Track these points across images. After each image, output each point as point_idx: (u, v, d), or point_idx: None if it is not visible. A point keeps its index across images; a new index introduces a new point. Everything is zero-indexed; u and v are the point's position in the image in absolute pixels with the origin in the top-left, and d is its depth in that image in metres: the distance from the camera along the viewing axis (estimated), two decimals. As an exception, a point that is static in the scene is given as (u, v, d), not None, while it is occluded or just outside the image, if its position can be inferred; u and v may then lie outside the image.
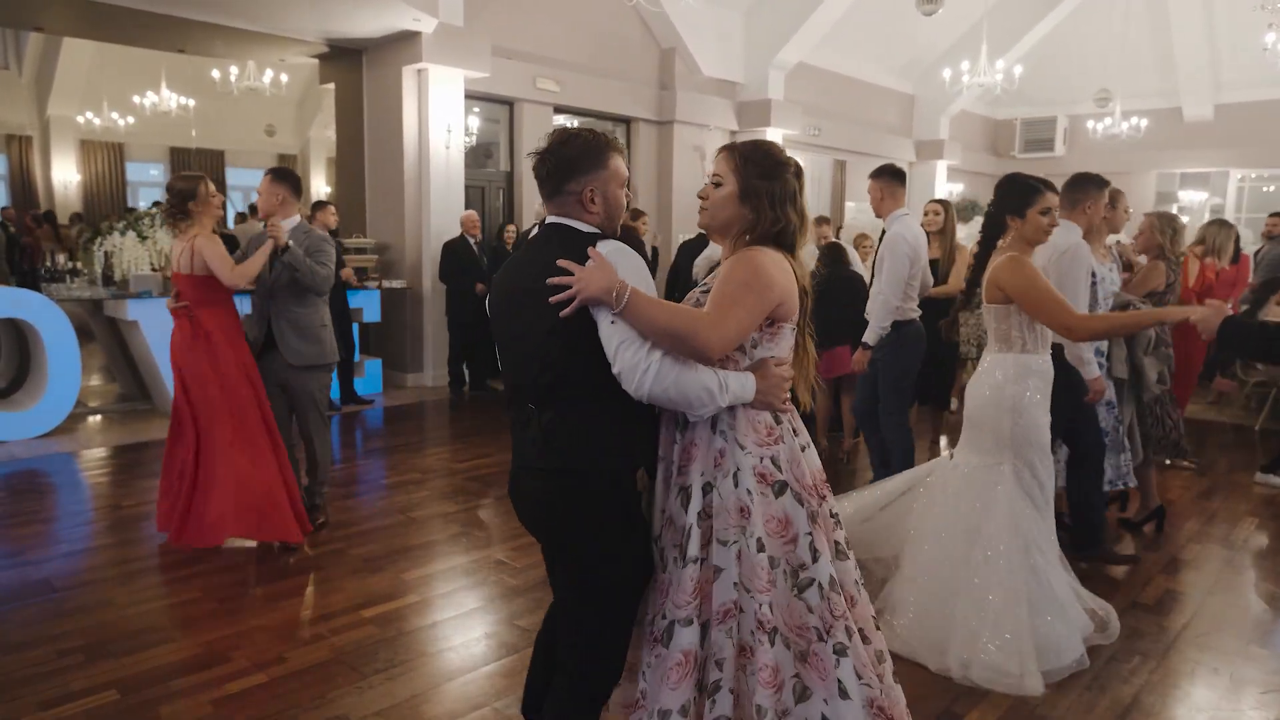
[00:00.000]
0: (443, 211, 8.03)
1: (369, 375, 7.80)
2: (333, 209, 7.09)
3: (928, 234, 5.26)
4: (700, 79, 10.76)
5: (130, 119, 13.95)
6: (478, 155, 9.41)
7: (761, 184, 1.95)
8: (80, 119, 14.23)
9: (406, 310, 8.17)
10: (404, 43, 7.70)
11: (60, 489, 5.12)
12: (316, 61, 9.05)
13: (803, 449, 1.99)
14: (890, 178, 4.56)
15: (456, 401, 7.73)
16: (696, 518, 1.91)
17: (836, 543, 2.01)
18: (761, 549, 1.88)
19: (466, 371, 8.02)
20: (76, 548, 4.11)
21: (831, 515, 2.02)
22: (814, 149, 12.78)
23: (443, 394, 7.95)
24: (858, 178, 13.73)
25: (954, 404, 7.62)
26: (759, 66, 11.14)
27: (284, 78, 10.95)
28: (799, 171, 2.01)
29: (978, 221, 10.97)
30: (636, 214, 7.18)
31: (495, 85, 8.61)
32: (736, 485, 1.90)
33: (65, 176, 14.46)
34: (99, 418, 6.66)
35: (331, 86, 8.94)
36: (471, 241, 7.68)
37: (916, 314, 4.51)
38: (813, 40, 11.17)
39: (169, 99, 12.35)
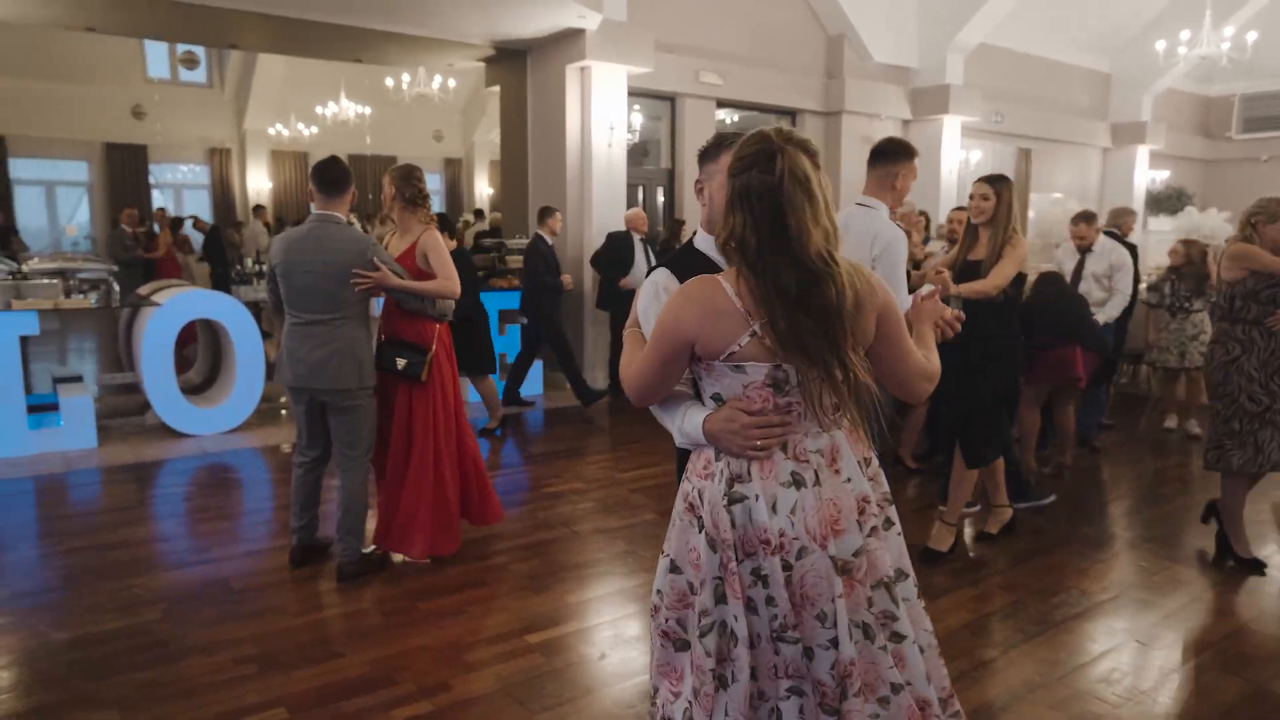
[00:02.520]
0: (605, 211, 7.89)
1: (529, 377, 7.77)
2: (559, 215, 7.15)
3: (975, 226, 3.96)
4: (870, 66, 10.14)
5: (314, 129, 14.83)
6: (635, 153, 9.24)
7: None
8: (271, 131, 15.27)
9: (567, 311, 8.08)
10: (568, 41, 7.62)
11: (244, 485, 5.30)
12: (483, 66, 9.15)
13: (752, 498, 1.70)
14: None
15: (616, 405, 7.57)
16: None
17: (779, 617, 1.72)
18: (675, 570, 1.83)
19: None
20: (255, 547, 4.18)
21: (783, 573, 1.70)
22: (996, 137, 11.82)
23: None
24: (1045, 167, 12.61)
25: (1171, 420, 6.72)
26: (935, 50, 10.38)
27: (452, 83, 11.23)
28: (754, 163, 1.65)
29: (1189, 213, 9.82)
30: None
31: (656, 81, 8.41)
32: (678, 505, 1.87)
33: (258, 185, 15.57)
34: (280, 414, 6.94)
35: (495, 91, 9.03)
36: (636, 239, 7.49)
37: None
38: (996, 18, 10.28)
39: (348, 108, 12.98)
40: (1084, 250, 5.82)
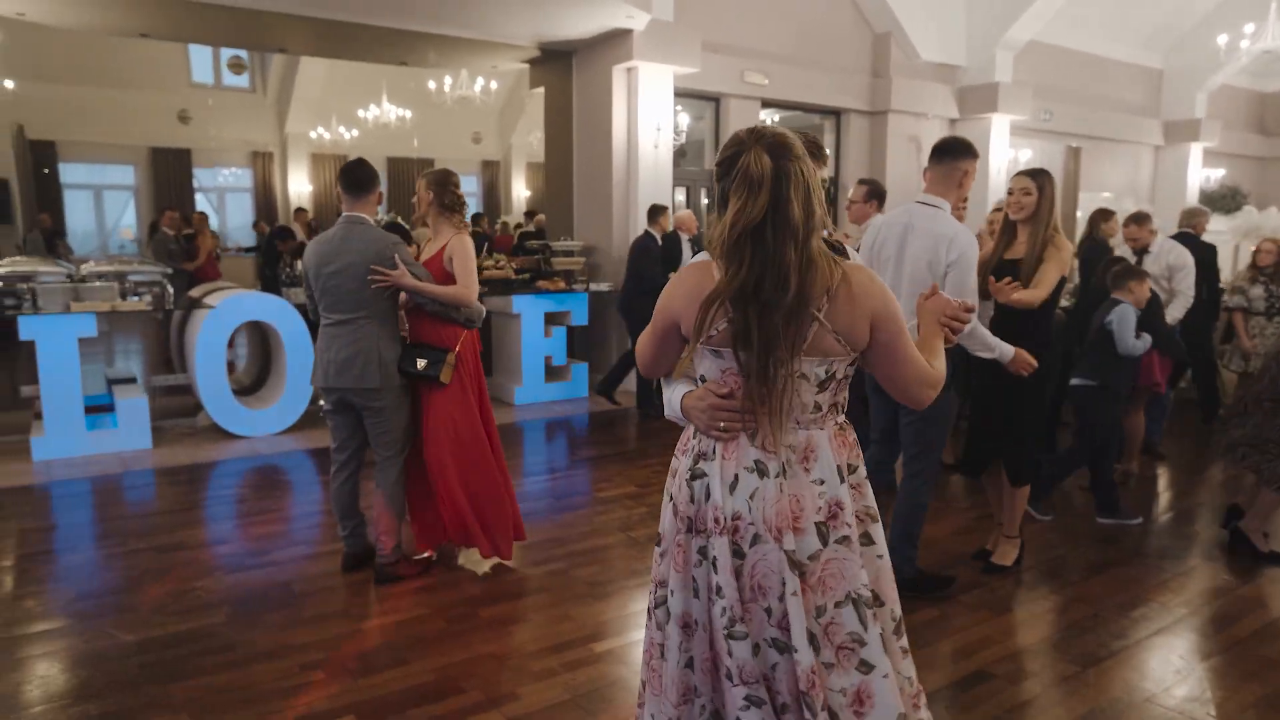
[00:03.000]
0: (650, 213, 7.83)
1: (575, 380, 7.74)
2: (669, 213, 7.13)
3: (1013, 223, 3.67)
4: (917, 64, 9.99)
5: (355, 132, 14.94)
6: (674, 154, 9.16)
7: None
8: (313, 134, 15.41)
9: (612, 314, 8.03)
10: (615, 41, 7.57)
11: (296, 487, 5.31)
12: (526, 67, 9.14)
13: (712, 476, 1.74)
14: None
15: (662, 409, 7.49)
16: None
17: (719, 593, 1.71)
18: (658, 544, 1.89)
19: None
20: (312, 551, 4.16)
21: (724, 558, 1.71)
22: (1045, 135, 11.59)
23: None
24: (1095, 166, 12.34)
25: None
26: (984, 47, 10.20)
27: (493, 85, 11.24)
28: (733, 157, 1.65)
29: (1247, 213, 9.48)
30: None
31: (701, 81, 8.34)
32: None
33: (299, 188, 15.73)
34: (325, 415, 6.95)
35: (533, 93, 9.03)
36: (685, 240, 7.41)
37: None
38: (1047, 14, 10.08)
39: (389, 111, 13.06)
40: (1139, 252, 5.66)
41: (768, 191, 1.60)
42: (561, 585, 3.76)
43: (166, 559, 4.01)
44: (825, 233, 1.72)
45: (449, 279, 3.70)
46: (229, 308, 6.12)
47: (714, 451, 1.75)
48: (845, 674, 1.66)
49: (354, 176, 3.64)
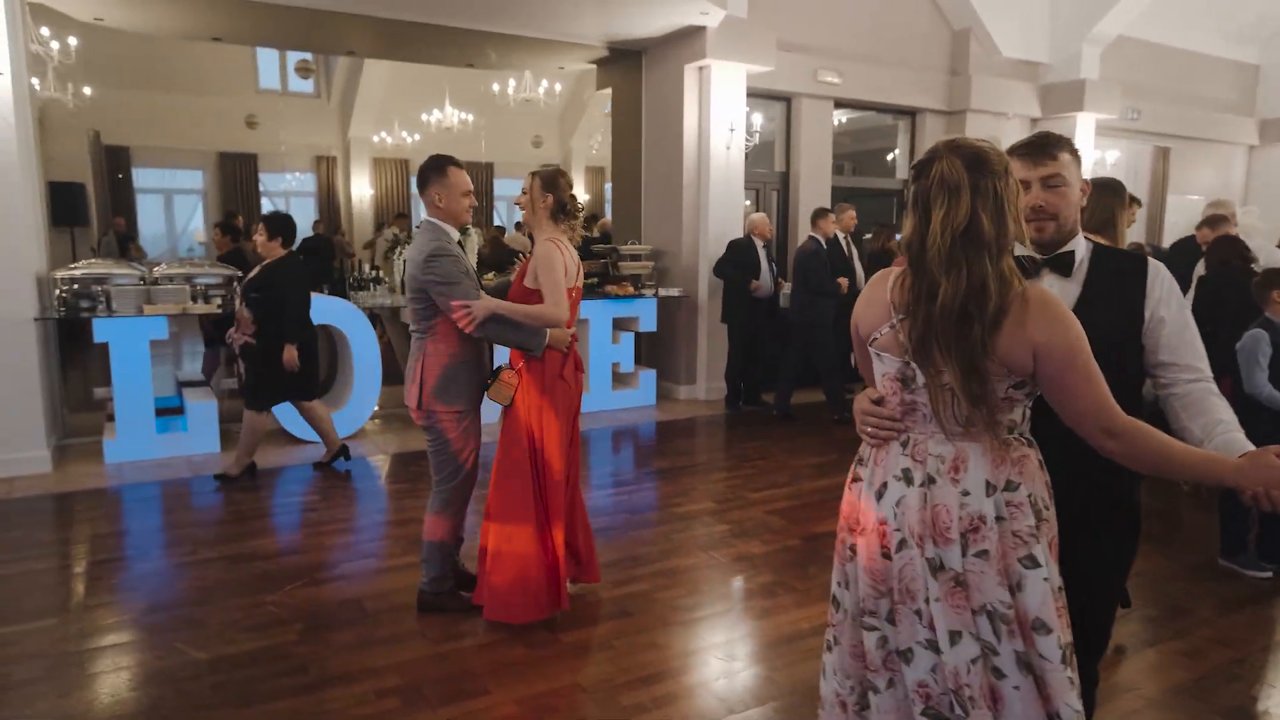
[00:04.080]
0: (721, 216, 7.60)
1: (643, 387, 7.53)
2: (833, 216, 7.02)
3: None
4: (998, 61, 9.57)
5: (417, 136, 14.98)
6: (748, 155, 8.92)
7: None
8: (375, 139, 15.50)
9: (681, 319, 7.81)
10: (687, 39, 7.35)
11: (364, 495, 5.18)
12: (593, 68, 8.98)
13: (865, 480, 1.80)
14: None
15: (733, 418, 7.24)
16: None
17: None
18: None
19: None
20: (384, 565, 4.01)
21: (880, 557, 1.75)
22: (1132, 135, 11.04)
23: (716, 409, 7.50)
24: (1184, 167, 11.74)
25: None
26: (1069, 43, 9.73)
27: (558, 87, 11.12)
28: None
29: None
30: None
31: (772, 80, 8.07)
32: None
33: (360, 192, 15.83)
34: (394, 421, 6.85)
35: (595, 96, 8.86)
36: (759, 244, 7.16)
37: None
38: (1137, 8, 9.59)
39: (451, 115, 13.05)
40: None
41: (950, 197, 1.59)
42: (645, 609, 3.54)
43: (236, 570, 3.89)
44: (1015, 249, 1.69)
45: (528, 298, 3.24)
46: (298, 311, 6.04)
47: (869, 457, 1.80)
48: (979, 674, 1.66)
49: (417, 176, 3.39)
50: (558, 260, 3.22)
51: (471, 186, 3.39)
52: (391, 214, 15.56)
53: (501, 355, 3.85)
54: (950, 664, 1.65)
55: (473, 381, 3.34)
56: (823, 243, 6.86)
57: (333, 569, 3.94)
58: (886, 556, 1.71)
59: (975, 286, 1.57)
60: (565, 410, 3.32)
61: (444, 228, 3.31)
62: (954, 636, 1.64)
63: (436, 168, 3.32)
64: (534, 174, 3.37)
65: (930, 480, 1.67)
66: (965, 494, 1.65)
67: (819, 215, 6.93)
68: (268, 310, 5.01)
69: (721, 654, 3.17)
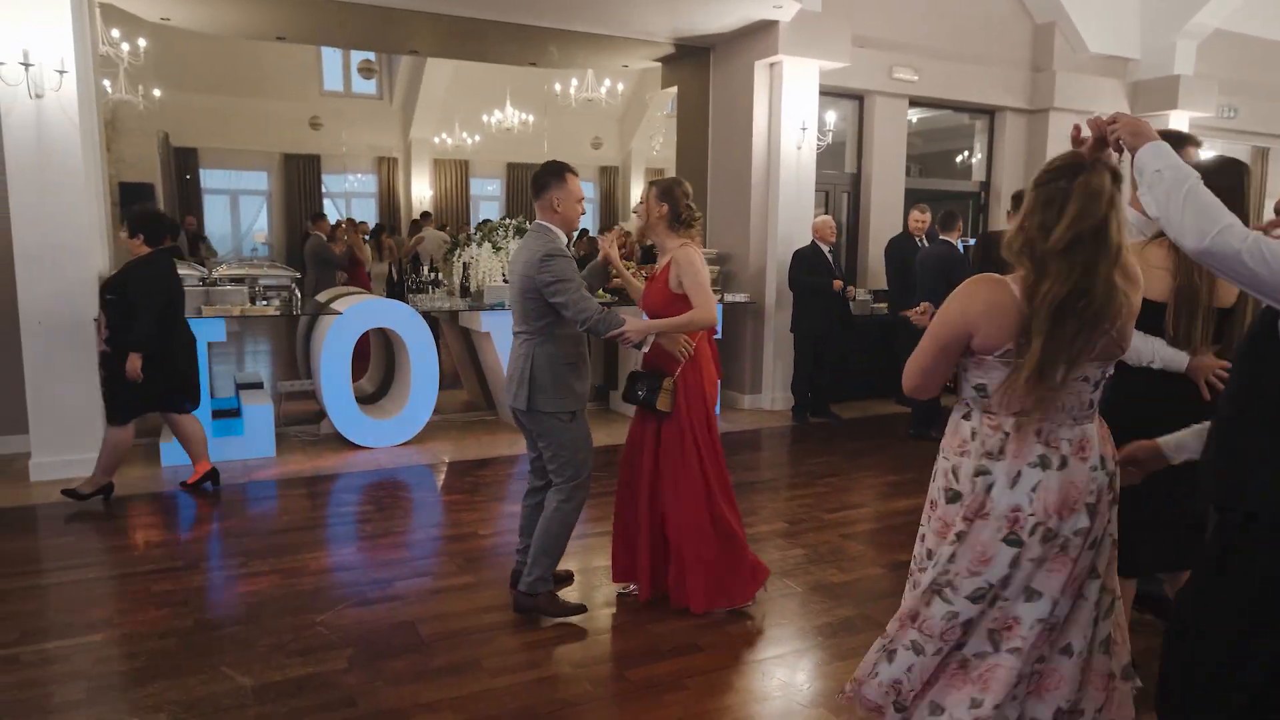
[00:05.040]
0: (790, 218, 7.28)
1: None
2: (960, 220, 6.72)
3: None
4: (1083, 57, 9.06)
5: (477, 137, 14.93)
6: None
7: None
8: (436, 140, 15.51)
9: (747, 326, 7.51)
10: (758, 34, 7.06)
11: (420, 507, 5.00)
12: (657, 66, 8.73)
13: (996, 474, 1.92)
14: None
15: (800, 430, 6.91)
16: None
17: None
18: None
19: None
20: (440, 584, 3.80)
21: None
22: (1228, 135, 10.39)
23: (783, 419, 7.17)
24: (1283, 169, 11.01)
25: None
26: (1161, 36, 9.17)
27: (620, 87, 10.90)
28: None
29: None
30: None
31: (844, 78, 7.73)
32: None
33: (420, 193, 15.85)
34: (450, 428, 6.68)
35: (655, 96, 8.64)
36: (825, 249, 6.83)
37: None
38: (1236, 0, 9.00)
39: (512, 116, 12.95)
40: None
41: (1097, 207, 1.78)
42: (718, 643, 3.25)
43: (287, 585, 3.72)
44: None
45: (674, 303, 3.31)
46: (356, 314, 5.91)
47: (1001, 451, 1.90)
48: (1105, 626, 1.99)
49: (533, 180, 3.38)
50: (700, 263, 3.31)
51: (584, 194, 3.44)
52: (451, 215, 15.56)
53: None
54: (1055, 616, 1.92)
55: (581, 381, 3.36)
56: (959, 246, 6.42)
57: (385, 587, 3.74)
58: (1014, 544, 1.88)
59: (1107, 287, 1.79)
60: (711, 401, 3.53)
61: (555, 231, 3.30)
62: (1062, 600, 1.91)
63: (557, 174, 3.32)
64: (652, 184, 3.48)
65: (1064, 462, 1.87)
66: (1094, 469, 1.89)
67: (952, 220, 6.46)
68: (122, 315, 4.55)
69: (804, 699, 2.87)
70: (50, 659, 3.07)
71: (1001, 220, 8.23)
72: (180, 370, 4.84)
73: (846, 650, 3.21)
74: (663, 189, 3.41)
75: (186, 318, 4.97)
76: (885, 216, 8.56)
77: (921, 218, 7.15)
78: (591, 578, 3.86)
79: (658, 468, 3.44)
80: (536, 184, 3.33)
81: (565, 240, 3.34)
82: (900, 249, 7.25)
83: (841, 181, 8.55)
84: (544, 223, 3.31)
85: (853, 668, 3.08)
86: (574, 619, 3.41)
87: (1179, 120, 9.29)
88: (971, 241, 8.27)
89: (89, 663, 3.04)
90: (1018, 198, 4.31)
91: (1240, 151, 10.74)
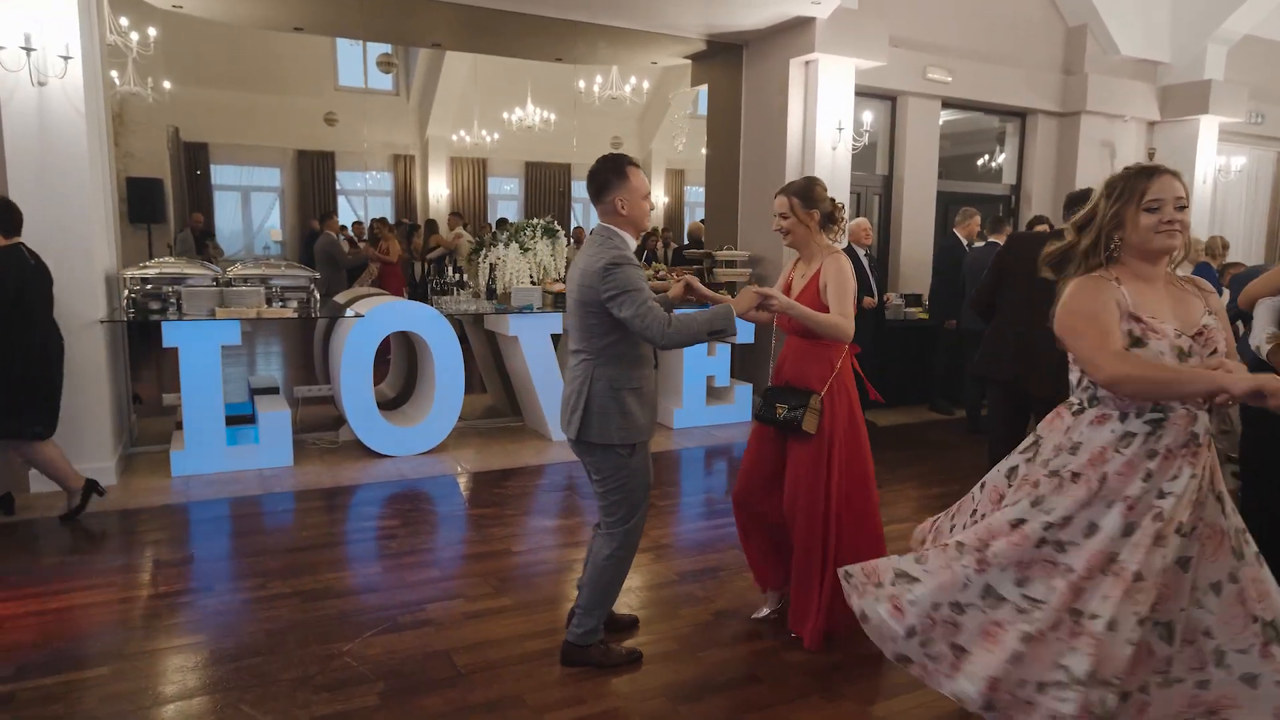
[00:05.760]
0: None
1: (738, 402, 7.01)
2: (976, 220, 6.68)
3: None
4: (1115, 60, 8.83)
5: (496, 135, 14.70)
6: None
7: None
8: (454, 137, 15.28)
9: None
10: (793, 31, 6.81)
11: (446, 520, 4.76)
12: (687, 64, 8.49)
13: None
14: None
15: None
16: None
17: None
18: None
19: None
20: (472, 607, 3.56)
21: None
22: (1255, 140, 10.14)
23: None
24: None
25: None
26: (1193, 41, 8.95)
27: (645, 84, 10.66)
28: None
29: None
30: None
31: (878, 78, 7.50)
32: None
33: (437, 191, 15.62)
34: (474, 435, 6.45)
35: (676, 95, 8.38)
36: (861, 253, 6.58)
37: None
38: (1270, 5, 8.77)
39: (533, 113, 12.72)
40: None
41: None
42: (774, 675, 3.01)
43: (310, 609, 3.48)
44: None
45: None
46: (378, 317, 5.68)
47: (1161, 431, 2.10)
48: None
49: (590, 180, 2.94)
50: (850, 274, 3.12)
51: (649, 188, 2.99)
52: (467, 213, 15.31)
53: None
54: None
55: (646, 410, 2.93)
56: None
57: (415, 610, 3.51)
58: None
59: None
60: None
61: (622, 235, 2.89)
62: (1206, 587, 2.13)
63: (617, 170, 2.87)
64: (788, 194, 3.23)
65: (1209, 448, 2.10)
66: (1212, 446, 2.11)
67: (998, 225, 6.45)
68: None
69: (880, 749, 2.63)
70: (51, 697, 2.82)
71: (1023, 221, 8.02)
72: (18, 384, 4.11)
73: (914, 681, 2.97)
74: (804, 197, 3.18)
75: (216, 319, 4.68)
76: (917, 219, 8.32)
77: (970, 224, 7.02)
78: (630, 598, 3.62)
79: (795, 497, 3.16)
80: (594, 183, 2.89)
81: (633, 245, 2.91)
82: (951, 253, 7.08)
83: (873, 184, 8.31)
84: (610, 226, 2.90)
85: (923, 698, 2.86)
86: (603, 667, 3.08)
87: (1208, 125, 9.09)
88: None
89: (94, 701, 2.80)
90: (1072, 202, 4.06)
91: (1266, 159, 10.51)
